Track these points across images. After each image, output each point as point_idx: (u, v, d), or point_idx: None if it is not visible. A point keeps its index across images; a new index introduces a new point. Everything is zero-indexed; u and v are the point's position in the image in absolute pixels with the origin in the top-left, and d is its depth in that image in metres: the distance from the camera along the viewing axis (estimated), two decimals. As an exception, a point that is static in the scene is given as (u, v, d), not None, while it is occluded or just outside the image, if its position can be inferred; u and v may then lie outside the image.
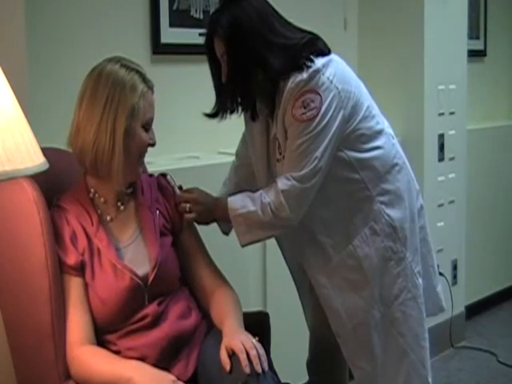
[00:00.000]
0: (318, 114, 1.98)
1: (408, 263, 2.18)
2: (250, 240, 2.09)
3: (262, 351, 1.77)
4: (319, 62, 2.02)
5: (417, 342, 2.22)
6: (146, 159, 2.00)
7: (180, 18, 2.85)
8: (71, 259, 1.83)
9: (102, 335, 1.86)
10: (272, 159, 2.16)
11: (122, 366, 1.77)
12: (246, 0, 2.04)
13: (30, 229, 1.79)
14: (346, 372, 2.45)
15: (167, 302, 1.91)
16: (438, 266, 2.43)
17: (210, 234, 2.13)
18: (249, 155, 2.26)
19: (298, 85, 1.99)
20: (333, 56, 2.09)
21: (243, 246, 2.10)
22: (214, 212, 2.12)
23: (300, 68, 2.00)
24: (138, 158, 1.92)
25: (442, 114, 3.64)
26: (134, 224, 1.95)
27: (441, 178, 3.68)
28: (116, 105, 1.82)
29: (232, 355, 1.76)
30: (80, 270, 1.84)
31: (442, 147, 3.66)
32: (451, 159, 3.72)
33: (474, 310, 4.17)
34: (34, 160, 1.50)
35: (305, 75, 1.99)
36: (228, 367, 1.75)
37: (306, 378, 2.51)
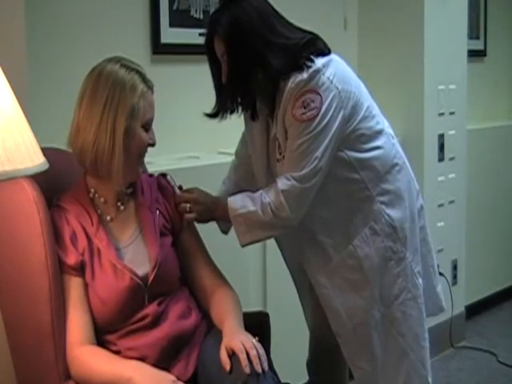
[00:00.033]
0: (318, 114, 1.98)
1: (408, 263, 2.18)
2: (250, 240, 2.09)
3: (262, 351, 1.77)
4: (319, 61, 2.02)
5: (417, 342, 2.22)
6: (146, 159, 2.00)
7: (180, 18, 2.85)
8: (71, 259, 1.83)
9: (102, 335, 1.86)
10: (272, 159, 2.16)
11: (122, 366, 1.77)
12: (246, 0, 2.04)
13: (30, 229, 1.79)
14: (346, 372, 2.45)
15: (167, 302, 1.91)
16: (438, 266, 2.43)
17: (210, 233, 2.13)
18: (248, 155, 2.26)
19: (299, 85, 1.99)
20: (333, 56, 2.09)
21: (243, 246, 2.10)
22: (214, 212, 2.12)
23: (300, 68, 2.00)
24: (138, 157, 1.92)
25: (441, 114, 3.64)
26: (134, 224, 1.95)
27: (441, 178, 3.68)
28: (116, 105, 1.82)
29: (232, 355, 1.75)
30: (80, 270, 1.84)
31: (441, 147, 3.65)
32: (451, 159, 3.72)
33: (474, 310, 4.17)
34: (34, 160, 1.50)
35: (305, 75, 1.99)
36: (228, 367, 1.74)
37: (306, 378, 2.50)
